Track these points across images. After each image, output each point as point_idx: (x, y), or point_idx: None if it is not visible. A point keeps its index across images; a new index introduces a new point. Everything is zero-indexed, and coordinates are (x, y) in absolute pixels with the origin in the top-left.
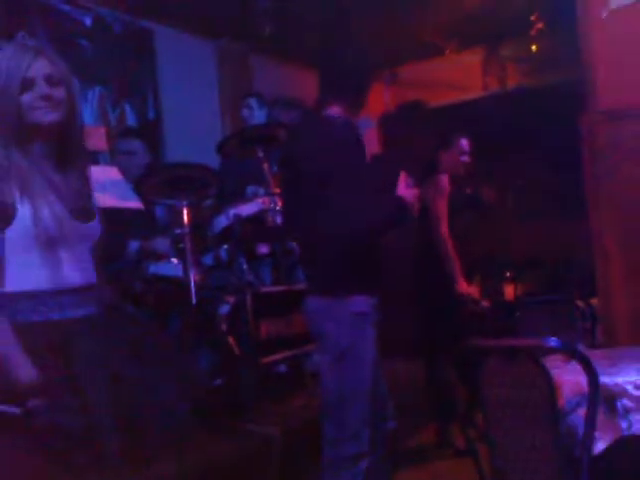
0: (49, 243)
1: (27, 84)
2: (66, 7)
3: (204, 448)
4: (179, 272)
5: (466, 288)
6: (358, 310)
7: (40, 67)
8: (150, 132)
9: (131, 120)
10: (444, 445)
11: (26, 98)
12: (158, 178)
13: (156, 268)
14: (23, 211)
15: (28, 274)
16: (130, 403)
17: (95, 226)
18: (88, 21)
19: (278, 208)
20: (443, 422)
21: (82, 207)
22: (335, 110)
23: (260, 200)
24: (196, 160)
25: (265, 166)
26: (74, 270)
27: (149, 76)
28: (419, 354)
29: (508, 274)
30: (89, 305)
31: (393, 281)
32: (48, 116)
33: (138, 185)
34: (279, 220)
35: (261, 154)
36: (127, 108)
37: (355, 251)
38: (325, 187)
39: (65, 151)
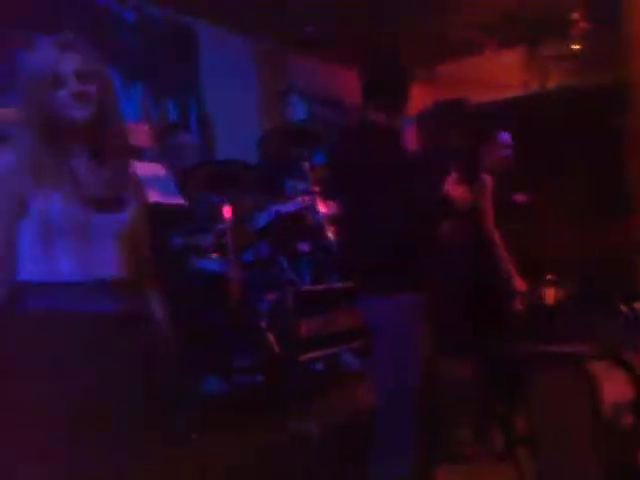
0: (57, 235)
1: (57, 81)
2: (110, 3)
3: (241, 444)
4: (221, 268)
5: (524, 285)
6: (406, 307)
7: (70, 62)
8: (194, 128)
9: (173, 116)
10: (485, 446)
11: (57, 95)
12: (201, 174)
13: (199, 264)
14: (36, 204)
15: (33, 264)
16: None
17: (124, 218)
18: (131, 17)
19: (318, 206)
20: (484, 423)
21: (110, 199)
22: (378, 115)
23: (300, 198)
24: (236, 156)
25: (305, 163)
26: (81, 262)
27: (191, 73)
28: (462, 353)
29: (549, 277)
30: (96, 301)
31: (443, 280)
32: (79, 112)
33: (182, 181)
34: (319, 218)
35: (300, 151)
36: (169, 105)
37: (401, 248)
38: (369, 189)
39: (98, 146)
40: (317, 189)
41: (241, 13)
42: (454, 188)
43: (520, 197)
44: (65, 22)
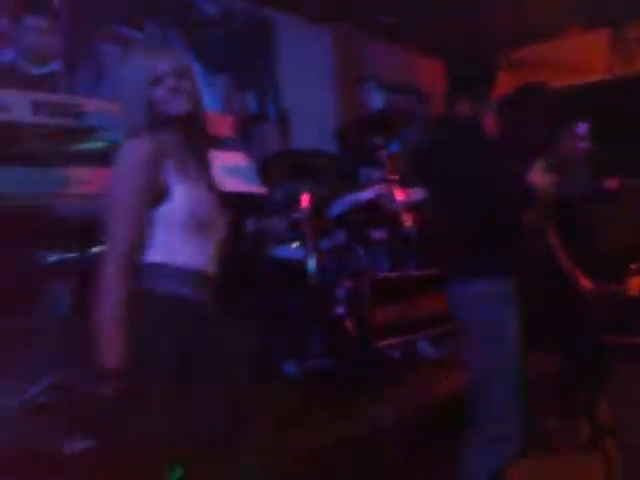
0: (198, 226)
1: (156, 81)
2: None
3: (318, 429)
4: (298, 255)
5: (588, 284)
6: (496, 290)
7: (166, 63)
8: (274, 118)
9: (253, 107)
10: (572, 437)
11: (157, 93)
12: (280, 163)
13: (276, 251)
14: (178, 192)
15: (175, 250)
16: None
17: (227, 211)
18: (213, 10)
19: (394, 194)
20: (570, 414)
21: (218, 193)
22: (463, 107)
23: (377, 186)
24: (313, 145)
25: (382, 152)
26: (209, 255)
27: (270, 64)
28: (548, 347)
29: (633, 266)
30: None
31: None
32: (178, 107)
33: (263, 170)
34: (395, 206)
35: (378, 140)
36: (250, 95)
37: (487, 234)
38: (455, 183)
39: (193, 138)
40: (393, 177)
41: (320, 2)
42: (538, 176)
43: (612, 183)
44: (151, 17)
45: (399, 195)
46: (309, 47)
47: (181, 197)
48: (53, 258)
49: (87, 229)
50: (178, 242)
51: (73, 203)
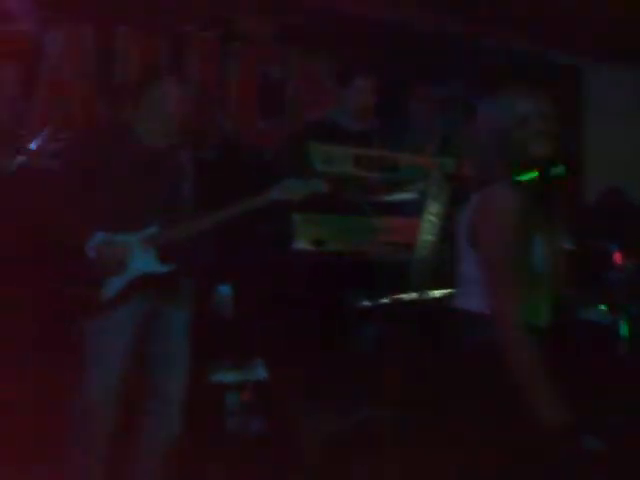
0: (539, 276)
1: (522, 122)
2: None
3: None
4: (606, 319)
5: None
6: None
7: (532, 104)
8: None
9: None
10: None
11: (522, 134)
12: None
13: (584, 314)
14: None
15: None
16: None
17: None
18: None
19: None
20: None
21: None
22: None
23: None
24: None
25: None
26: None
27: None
28: None
29: None
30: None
31: None
32: (541, 150)
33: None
34: None
35: None
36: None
37: None
38: None
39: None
40: None
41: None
42: None
43: None
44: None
45: None
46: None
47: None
48: (366, 302)
49: (397, 276)
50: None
51: (386, 251)
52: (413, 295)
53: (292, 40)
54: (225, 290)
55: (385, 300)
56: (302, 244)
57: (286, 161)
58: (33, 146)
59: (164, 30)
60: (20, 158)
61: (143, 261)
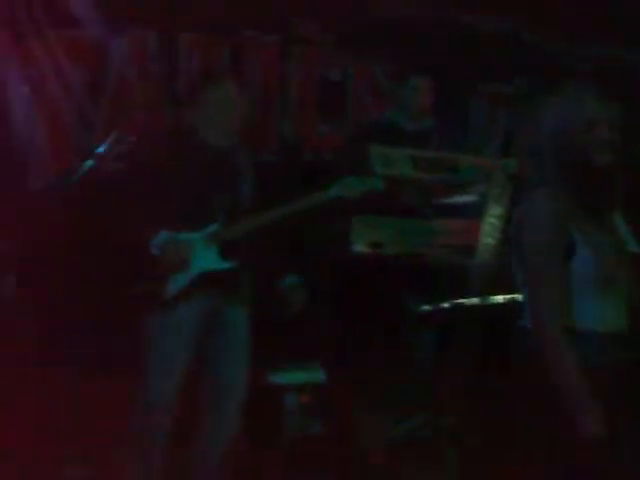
0: (605, 281)
1: (588, 127)
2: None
3: None
4: None
5: None
6: None
7: (598, 110)
8: None
9: None
10: None
11: (586, 139)
12: None
13: None
14: (582, 251)
15: (584, 310)
16: None
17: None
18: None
19: None
20: None
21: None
22: None
23: None
24: None
25: None
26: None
27: None
28: None
29: None
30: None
31: None
32: (603, 158)
33: None
34: None
35: None
36: None
37: None
38: None
39: (602, 190)
40: None
41: None
42: None
43: None
44: (521, 74)
45: None
46: None
47: (587, 250)
48: (424, 307)
49: (457, 280)
50: (586, 301)
51: (445, 254)
52: (474, 300)
53: (351, 42)
54: (293, 280)
55: (445, 304)
56: (360, 247)
57: (346, 163)
58: (101, 149)
59: (226, 34)
60: (89, 161)
61: (205, 259)
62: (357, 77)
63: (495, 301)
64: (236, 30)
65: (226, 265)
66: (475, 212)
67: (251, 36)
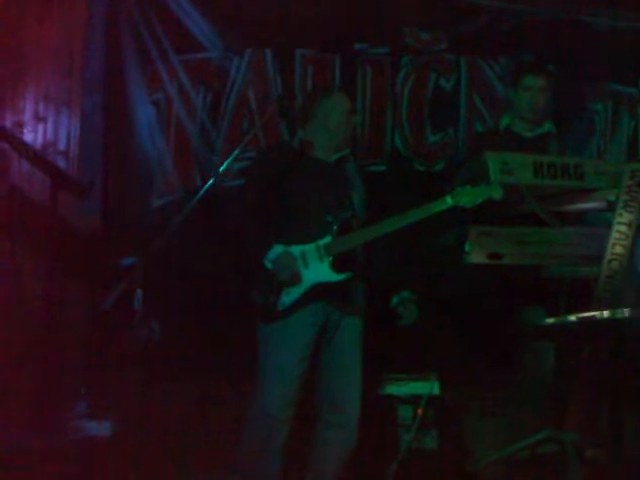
0: None
1: None
2: None
3: None
4: None
5: None
6: None
7: None
8: None
9: None
10: None
11: None
12: None
13: None
14: None
15: None
16: None
17: None
18: None
19: None
20: None
21: None
22: None
23: None
24: None
25: None
26: None
27: None
28: None
29: None
30: None
31: None
32: None
33: None
34: None
35: None
36: None
37: None
38: None
39: None
40: None
41: None
42: None
43: None
44: None
45: None
46: None
47: None
48: (549, 320)
49: (584, 291)
50: None
51: (567, 264)
52: (605, 314)
53: (463, 48)
54: (405, 295)
55: (571, 318)
56: (478, 258)
57: (462, 173)
58: (222, 168)
59: (338, 49)
60: (211, 180)
61: (318, 271)
62: (470, 83)
63: (626, 315)
64: (348, 44)
65: (339, 277)
66: (602, 220)
67: (362, 49)
